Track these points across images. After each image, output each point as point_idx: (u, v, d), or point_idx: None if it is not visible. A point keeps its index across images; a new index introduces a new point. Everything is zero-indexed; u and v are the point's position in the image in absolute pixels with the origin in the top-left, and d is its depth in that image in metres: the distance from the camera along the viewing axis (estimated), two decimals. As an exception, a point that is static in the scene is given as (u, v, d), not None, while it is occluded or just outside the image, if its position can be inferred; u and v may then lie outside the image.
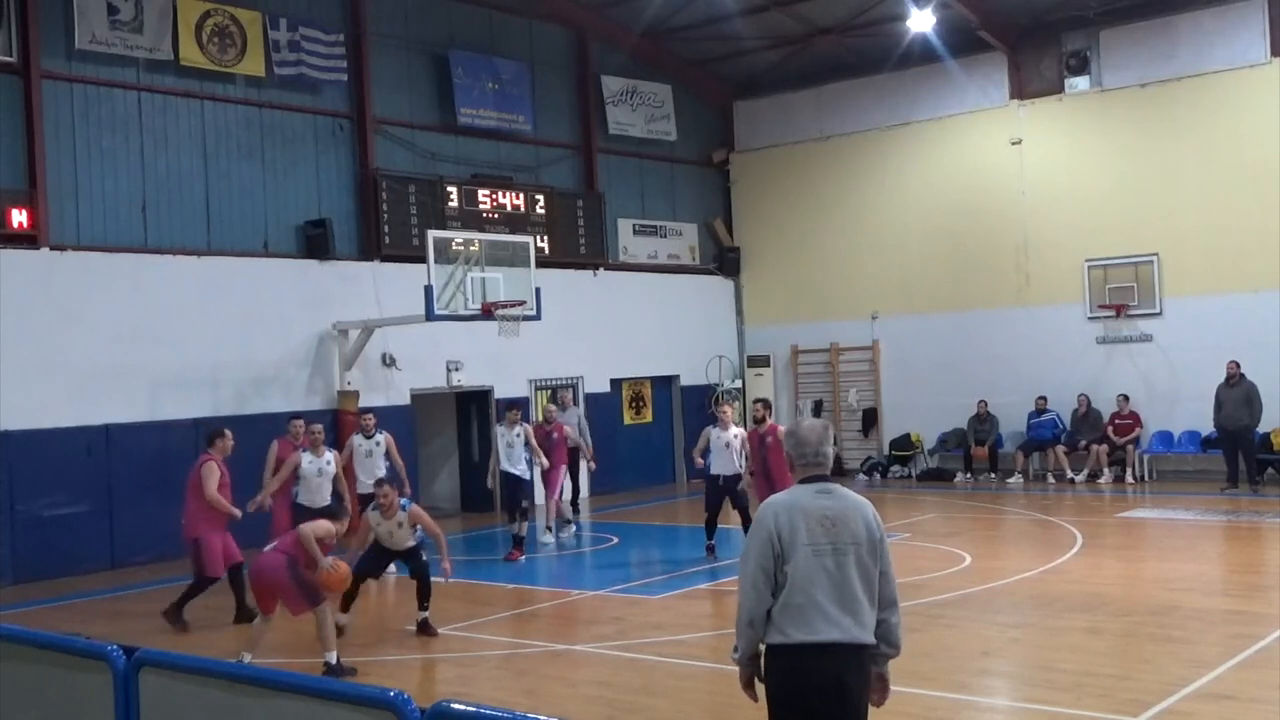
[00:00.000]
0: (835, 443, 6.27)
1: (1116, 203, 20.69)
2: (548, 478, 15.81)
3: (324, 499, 12.65)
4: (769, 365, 24.59)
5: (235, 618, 11.62)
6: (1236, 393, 18.20)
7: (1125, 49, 20.71)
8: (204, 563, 11.52)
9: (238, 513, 11.72)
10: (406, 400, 19.09)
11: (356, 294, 18.45)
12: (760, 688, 5.10)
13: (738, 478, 14.19)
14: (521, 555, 14.87)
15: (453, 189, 19.92)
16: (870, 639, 4.98)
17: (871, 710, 5.14)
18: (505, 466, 15.14)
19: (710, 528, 14.36)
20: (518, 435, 15.12)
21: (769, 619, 4.96)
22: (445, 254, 16.71)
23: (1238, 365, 18.30)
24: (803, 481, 5.16)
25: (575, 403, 19.54)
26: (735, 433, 14.30)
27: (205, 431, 12.47)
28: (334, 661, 9.30)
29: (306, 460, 12.82)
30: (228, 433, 12.00)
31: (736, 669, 5.17)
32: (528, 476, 15.41)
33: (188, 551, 11.87)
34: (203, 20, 17.02)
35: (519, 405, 16.39)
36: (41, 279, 15.31)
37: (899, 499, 19.62)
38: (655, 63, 23.64)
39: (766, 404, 14.29)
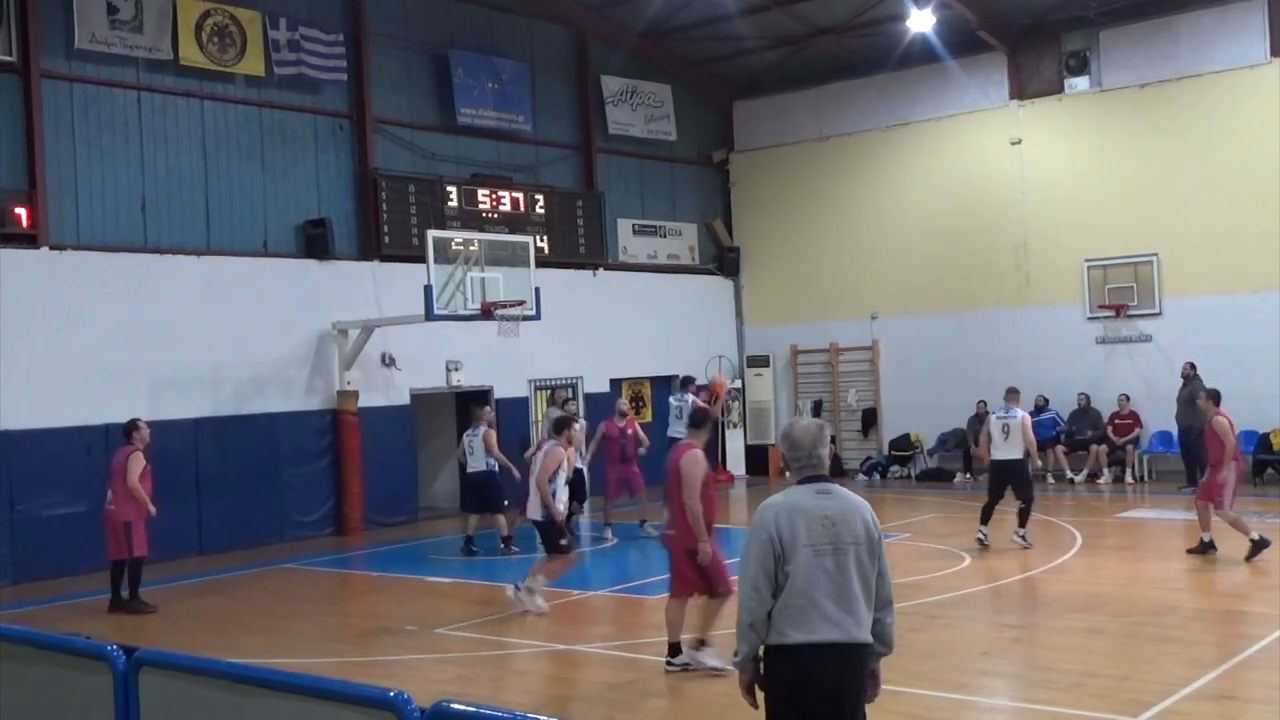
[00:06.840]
0: (833, 442, 6.27)
1: (1116, 203, 20.68)
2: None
3: None
4: (768, 365, 24.58)
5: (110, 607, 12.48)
6: (1184, 393, 18.32)
7: (1125, 49, 20.70)
8: (135, 543, 12.51)
9: (154, 509, 12.61)
10: (406, 400, 19.09)
11: (356, 294, 18.44)
12: (759, 694, 5.09)
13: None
14: None
15: (452, 189, 19.91)
16: (867, 638, 5.00)
17: (873, 711, 5.14)
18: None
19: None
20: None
21: (769, 619, 4.97)
22: (445, 254, 16.70)
23: (1193, 366, 18.64)
24: (801, 482, 5.18)
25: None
26: None
27: (123, 426, 13.24)
28: None
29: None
30: (141, 423, 13.01)
31: (736, 671, 5.17)
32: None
33: (115, 534, 12.61)
34: (202, 20, 17.01)
35: None
36: (41, 279, 15.31)
37: (899, 499, 19.61)
38: (655, 63, 23.63)
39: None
